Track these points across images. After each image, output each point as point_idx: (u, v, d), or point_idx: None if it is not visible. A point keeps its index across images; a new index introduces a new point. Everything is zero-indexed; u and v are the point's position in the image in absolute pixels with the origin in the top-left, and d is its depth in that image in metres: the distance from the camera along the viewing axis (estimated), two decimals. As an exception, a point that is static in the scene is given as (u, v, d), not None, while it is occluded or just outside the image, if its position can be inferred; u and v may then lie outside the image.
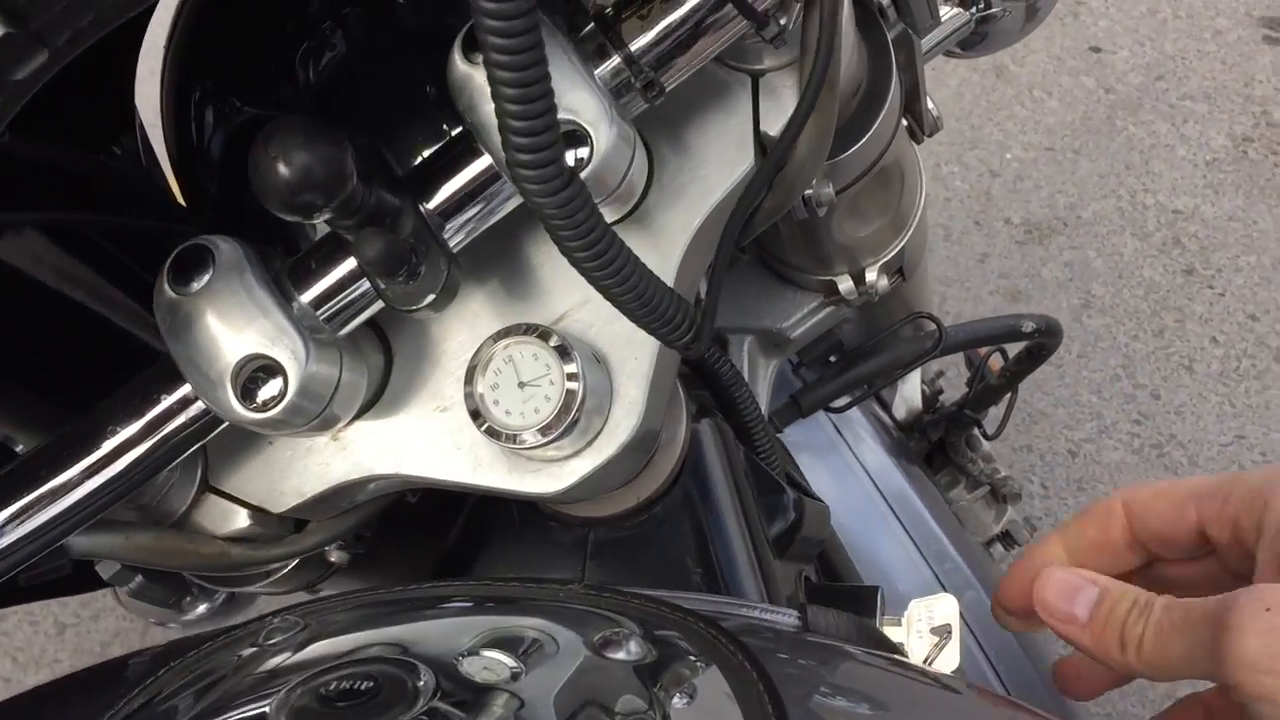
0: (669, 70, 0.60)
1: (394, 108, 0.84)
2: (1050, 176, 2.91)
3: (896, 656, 0.72)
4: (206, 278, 0.59)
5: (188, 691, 0.57)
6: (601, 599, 0.64)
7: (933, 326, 1.07)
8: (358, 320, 0.61)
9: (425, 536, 0.87)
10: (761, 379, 1.01)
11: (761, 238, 0.95)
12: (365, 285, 0.60)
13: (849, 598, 0.88)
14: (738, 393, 0.85)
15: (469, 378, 0.64)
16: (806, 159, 0.67)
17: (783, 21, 0.62)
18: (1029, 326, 1.12)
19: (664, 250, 0.66)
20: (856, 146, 0.76)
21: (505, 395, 0.63)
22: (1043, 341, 1.16)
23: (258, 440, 0.71)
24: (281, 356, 0.58)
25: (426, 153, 0.81)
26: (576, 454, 0.65)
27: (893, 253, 0.94)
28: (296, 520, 0.73)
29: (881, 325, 1.10)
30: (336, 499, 0.71)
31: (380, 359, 0.68)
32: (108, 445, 0.62)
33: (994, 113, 3.06)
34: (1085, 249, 2.76)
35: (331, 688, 0.48)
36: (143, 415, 0.62)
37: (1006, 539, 1.55)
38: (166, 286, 0.59)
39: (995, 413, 1.43)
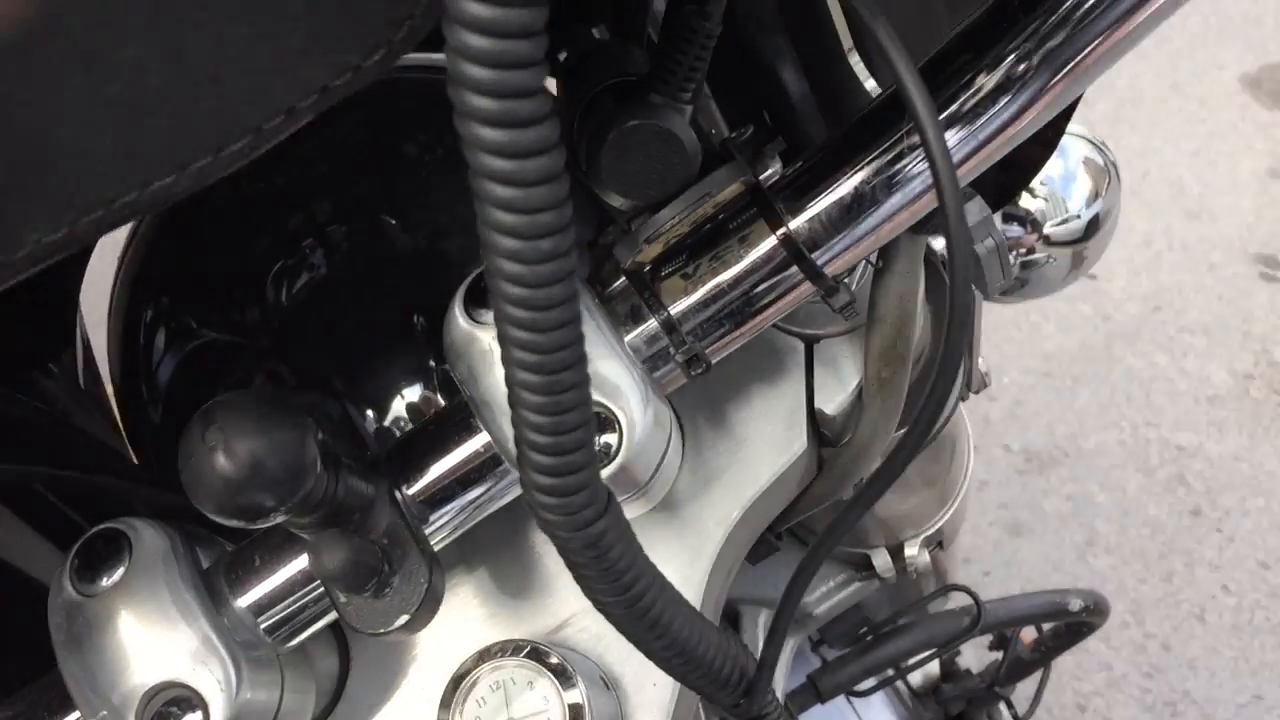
0: (716, 341, 0.48)
1: (376, 339, 0.73)
2: (1049, 404, 2.83)
3: None
4: (120, 572, 0.46)
5: None
6: None
7: (969, 600, 0.95)
8: (306, 634, 0.48)
9: None
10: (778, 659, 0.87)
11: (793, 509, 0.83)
12: (319, 591, 0.47)
13: None
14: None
15: (445, 703, 0.51)
16: (870, 443, 0.56)
17: (852, 287, 0.52)
18: (1076, 605, 0.99)
19: (695, 547, 0.54)
20: (918, 422, 0.64)
21: None
22: (1088, 621, 1.04)
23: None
24: (204, 686, 0.45)
25: (409, 393, 0.70)
26: None
27: (935, 527, 0.83)
28: None
29: (910, 596, 0.97)
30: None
31: (334, 663, 0.55)
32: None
33: (990, 335, 2.99)
34: (1087, 482, 2.65)
35: None
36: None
37: (1027, 824, 1.38)
38: (68, 583, 0.46)
39: (1023, 688, 1.29)
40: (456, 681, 0.50)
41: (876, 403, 0.54)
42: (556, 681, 0.49)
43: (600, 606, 0.37)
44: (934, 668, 1.33)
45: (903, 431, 0.67)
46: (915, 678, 1.33)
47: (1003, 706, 1.33)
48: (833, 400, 0.55)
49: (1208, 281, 3.11)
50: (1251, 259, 3.16)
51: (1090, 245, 0.98)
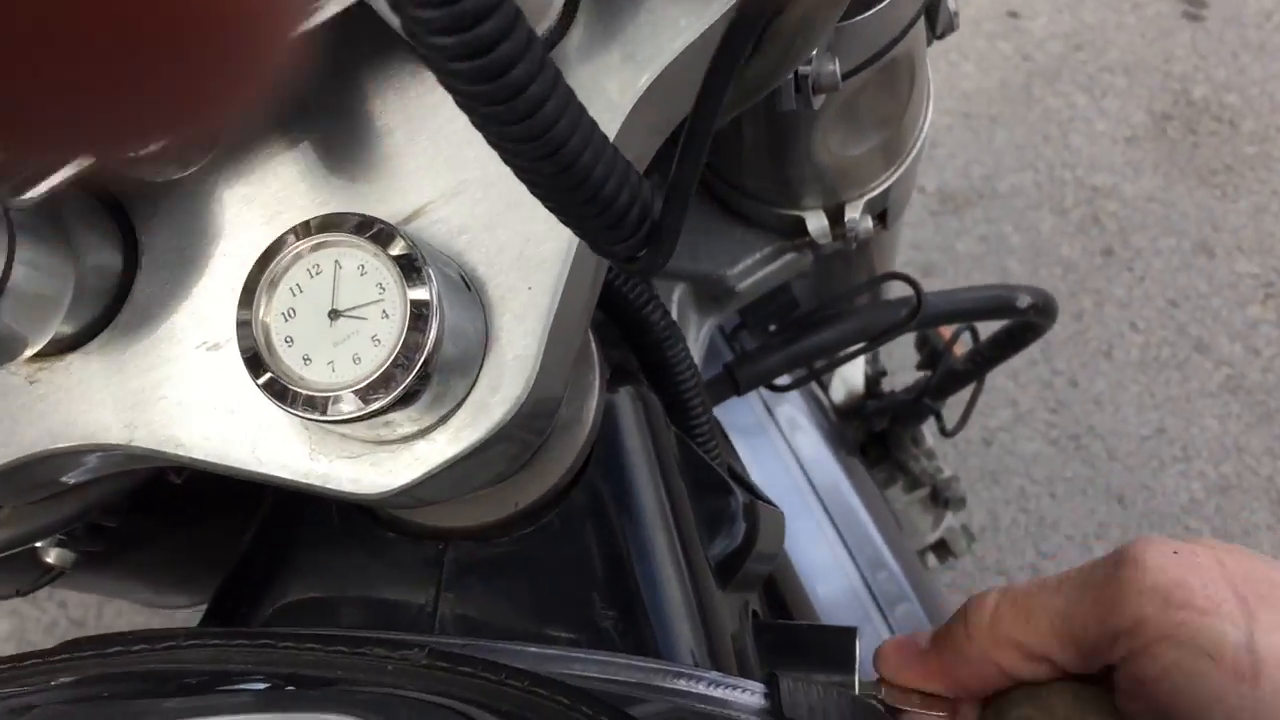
0: None
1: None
2: (965, 144, 2.74)
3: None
4: None
5: None
6: (456, 677, 0.39)
7: (909, 291, 0.84)
8: (59, 177, 0.34)
9: (205, 519, 0.60)
10: (692, 340, 0.76)
11: (711, 153, 0.70)
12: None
13: (815, 645, 0.64)
14: (672, 350, 0.60)
15: (247, 295, 0.37)
16: (818, 3, 0.42)
17: None
18: (1025, 301, 0.89)
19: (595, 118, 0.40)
20: (880, 7, 0.51)
21: (305, 330, 0.37)
22: (1033, 321, 0.94)
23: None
24: None
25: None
26: (424, 434, 0.40)
27: (881, 188, 0.70)
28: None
29: (843, 286, 0.86)
30: (34, 477, 0.43)
31: (116, 258, 0.41)
32: None
33: (909, 74, 2.87)
34: (1001, 223, 2.59)
35: None
36: None
37: (941, 548, 1.33)
38: None
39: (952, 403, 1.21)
40: (265, 262, 0.36)
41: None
42: (398, 269, 0.35)
43: (462, 92, 0.24)
44: (858, 383, 1.25)
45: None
46: (838, 395, 1.24)
47: (926, 428, 1.26)
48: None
49: (1130, 20, 2.99)
50: (1176, -3, 3.04)
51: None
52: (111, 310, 0.41)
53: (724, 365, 0.83)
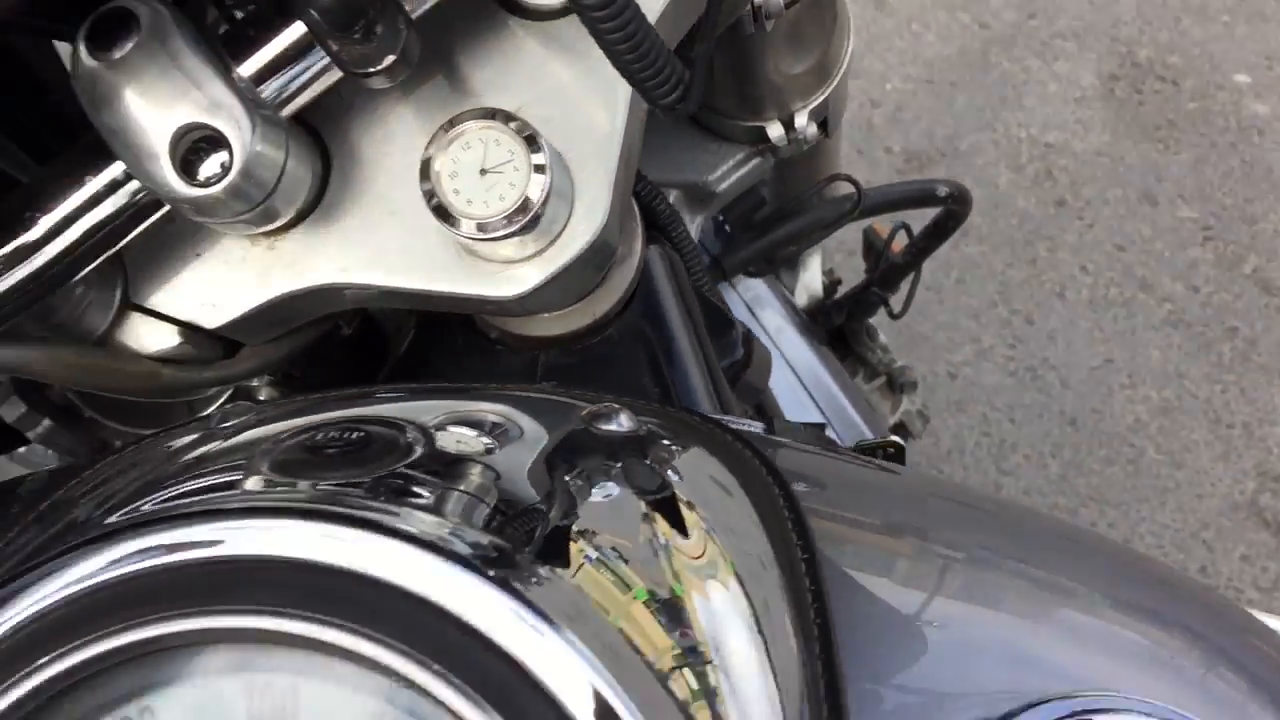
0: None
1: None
2: (929, 108, 2.96)
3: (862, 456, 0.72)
4: (130, 45, 0.54)
5: (130, 480, 0.53)
6: (573, 394, 0.62)
7: (850, 188, 1.08)
8: (306, 96, 0.57)
9: (357, 374, 0.83)
10: (688, 236, 1.00)
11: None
12: (314, 56, 0.56)
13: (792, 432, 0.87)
14: (675, 231, 0.83)
15: (425, 169, 0.60)
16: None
17: None
18: (943, 190, 1.13)
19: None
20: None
21: (465, 183, 0.59)
22: (953, 210, 1.18)
23: (184, 253, 0.65)
24: (225, 127, 0.54)
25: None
26: (536, 255, 0.63)
27: (821, 98, 0.94)
28: (225, 347, 0.69)
29: (800, 187, 1.10)
30: (274, 316, 0.66)
31: (317, 164, 0.64)
32: (30, 234, 0.57)
33: (874, 44, 3.09)
34: (963, 179, 2.81)
35: (319, 438, 0.45)
36: (67, 198, 0.57)
37: (900, 430, 1.58)
38: (85, 54, 0.54)
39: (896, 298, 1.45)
40: (431, 145, 0.58)
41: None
42: (523, 140, 0.59)
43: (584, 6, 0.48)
44: (818, 288, 1.48)
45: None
46: (800, 300, 1.48)
47: (880, 327, 1.50)
48: None
49: (1080, -11, 3.22)
50: (1121, -33, 3.26)
51: None
52: (318, 197, 0.63)
53: (710, 256, 1.07)
